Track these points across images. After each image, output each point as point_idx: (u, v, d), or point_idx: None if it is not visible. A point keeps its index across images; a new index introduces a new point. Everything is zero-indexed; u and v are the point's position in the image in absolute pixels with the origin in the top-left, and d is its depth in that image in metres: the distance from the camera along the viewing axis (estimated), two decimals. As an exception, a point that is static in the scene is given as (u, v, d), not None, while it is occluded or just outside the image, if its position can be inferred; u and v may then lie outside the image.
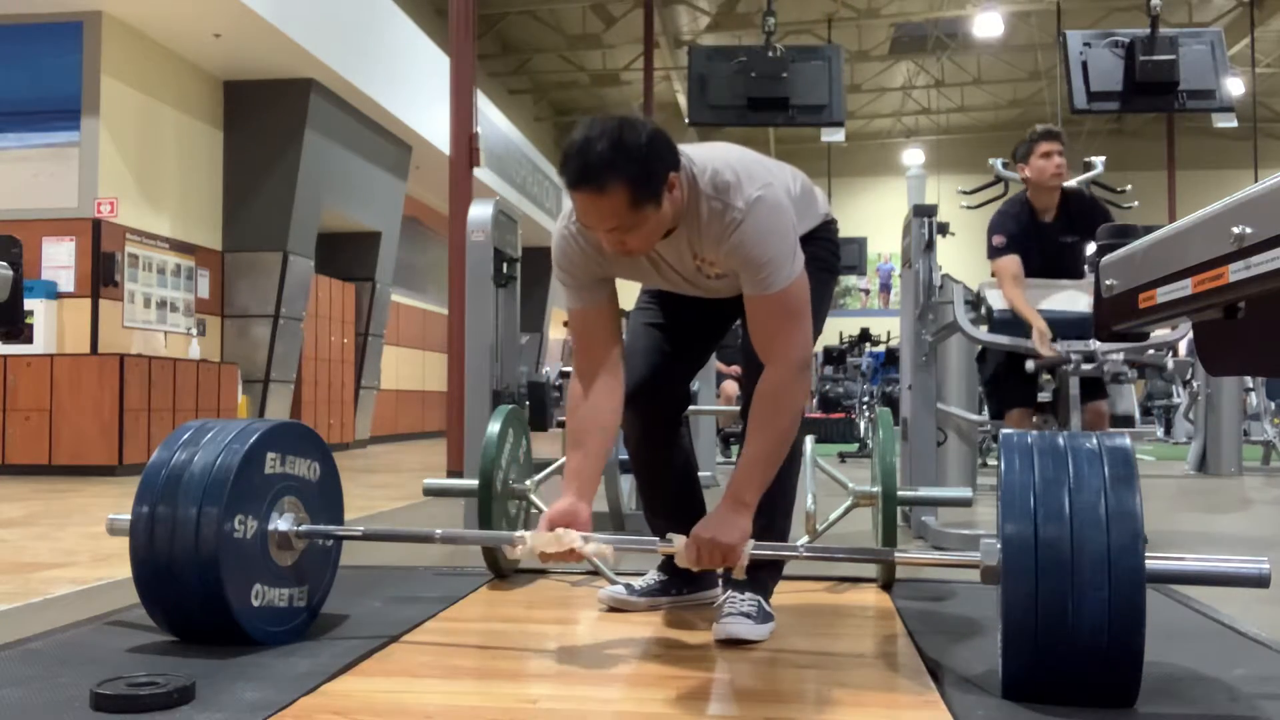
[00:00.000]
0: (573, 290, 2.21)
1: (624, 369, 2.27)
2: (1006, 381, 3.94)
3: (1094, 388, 3.82)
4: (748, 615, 2.18)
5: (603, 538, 2.01)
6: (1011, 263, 3.86)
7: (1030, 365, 3.60)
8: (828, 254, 2.37)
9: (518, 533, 2.09)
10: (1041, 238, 3.96)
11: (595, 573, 2.80)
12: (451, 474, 6.59)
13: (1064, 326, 3.63)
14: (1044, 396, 4.74)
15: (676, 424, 2.48)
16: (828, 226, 2.39)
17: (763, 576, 2.24)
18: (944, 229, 3.94)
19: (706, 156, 2.07)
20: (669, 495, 2.49)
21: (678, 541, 2.00)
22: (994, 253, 3.92)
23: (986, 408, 7.56)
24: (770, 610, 2.24)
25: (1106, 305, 1.70)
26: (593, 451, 2.15)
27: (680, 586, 2.51)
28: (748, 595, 2.22)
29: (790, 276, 2.02)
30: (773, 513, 2.21)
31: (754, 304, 2.06)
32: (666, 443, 2.46)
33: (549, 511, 2.05)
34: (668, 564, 2.51)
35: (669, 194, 1.95)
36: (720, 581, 2.32)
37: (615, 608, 2.48)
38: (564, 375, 7.33)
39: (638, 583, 2.52)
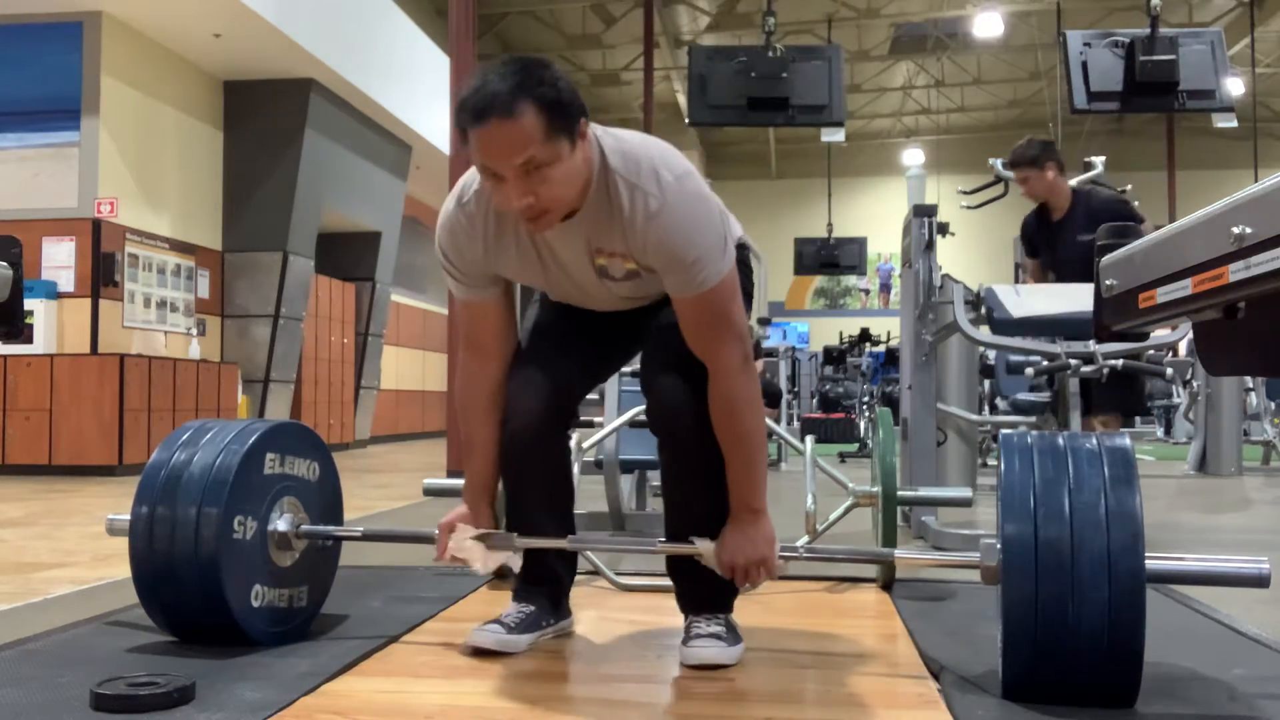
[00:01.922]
0: (461, 284, 2.04)
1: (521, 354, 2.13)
2: None
3: (1107, 399, 3.79)
4: (718, 637, 2.00)
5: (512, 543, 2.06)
6: (1031, 263, 4.43)
7: (1030, 372, 3.61)
8: (743, 278, 2.12)
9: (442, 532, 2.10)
10: (1053, 237, 4.23)
11: (595, 572, 2.80)
12: (451, 474, 6.59)
13: (1069, 327, 3.62)
14: (1044, 397, 4.71)
15: (564, 424, 2.18)
16: (741, 249, 2.14)
17: (728, 593, 2.08)
18: (944, 229, 3.95)
19: (618, 134, 1.90)
20: (545, 490, 2.16)
21: (702, 545, 1.96)
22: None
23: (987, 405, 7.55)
24: (738, 631, 2.08)
25: (1106, 305, 1.70)
26: (491, 462, 2.12)
27: (548, 617, 2.20)
28: (717, 616, 2.06)
29: (722, 271, 1.87)
30: None
31: (686, 306, 1.89)
32: (554, 432, 2.14)
33: (461, 521, 2.05)
34: (525, 593, 2.20)
35: (581, 142, 1.78)
36: (679, 605, 2.14)
37: (498, 650, 2.06)
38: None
39: (508, 619, 2.13)
